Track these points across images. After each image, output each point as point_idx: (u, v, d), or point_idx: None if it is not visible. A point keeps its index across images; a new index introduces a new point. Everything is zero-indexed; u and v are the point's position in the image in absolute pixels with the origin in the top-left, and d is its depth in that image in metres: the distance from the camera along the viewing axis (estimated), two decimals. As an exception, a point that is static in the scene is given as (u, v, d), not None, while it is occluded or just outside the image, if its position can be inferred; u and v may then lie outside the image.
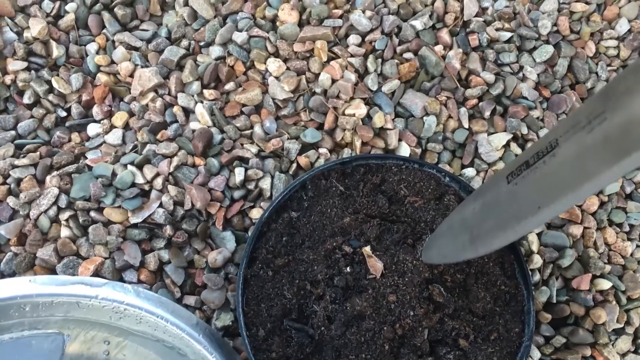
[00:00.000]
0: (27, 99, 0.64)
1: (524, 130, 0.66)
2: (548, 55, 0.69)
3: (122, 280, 0.57)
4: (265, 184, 0.61)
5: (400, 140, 0.65)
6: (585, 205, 0.65)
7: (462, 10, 0.70)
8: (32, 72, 0.64)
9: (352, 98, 0.65)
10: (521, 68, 0.69)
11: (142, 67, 0.66)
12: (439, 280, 0.51)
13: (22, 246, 0.57)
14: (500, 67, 0.69)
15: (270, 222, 0.55)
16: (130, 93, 0.65)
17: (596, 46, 0.72)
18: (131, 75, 0.65)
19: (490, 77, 0.67)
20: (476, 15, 0.71)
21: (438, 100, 0.66)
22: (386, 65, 0.67)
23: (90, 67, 0.65)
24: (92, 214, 0.58)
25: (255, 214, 0.61)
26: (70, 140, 0.63)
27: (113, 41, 0.67)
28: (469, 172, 0.65)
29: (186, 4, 0.69)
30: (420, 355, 0.49)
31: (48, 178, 0.59)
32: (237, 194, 0.61)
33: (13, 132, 0.62)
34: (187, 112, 0.65)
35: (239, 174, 0.61)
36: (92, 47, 0.66)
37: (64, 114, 0.64)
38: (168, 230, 0.58)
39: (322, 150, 0.63)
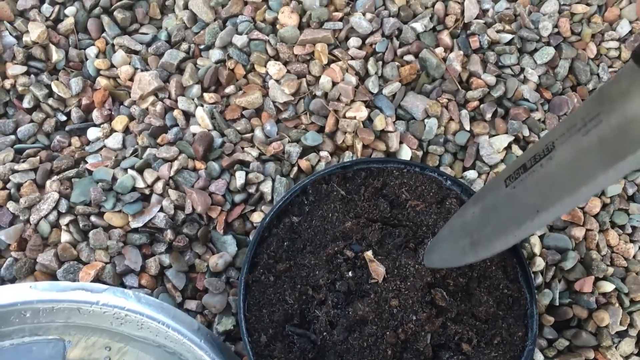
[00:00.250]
0: (26, 103, 0.63)
1: (526, 132, 0.66)
2: (549, 57, 0.69)
3: (122, 285, 0.57)
4: (266, 187, 0.61)
5: (401, 143, 0.64)
6: (587, 207, 0.65)
7: (462, 12, 0.70)
8: (32, 76, 0.64)
9: (352, 101, 0.65)
10: (522, 70, 0.69)
11: (142, 70, 0.65)
12: (441, 284, 0.51)
13: (23, 251, 0.57)
14: (501, 69, 0.69)
15: (271, 227, 0.54)
16: (130, 97, 0.65)
17: (597, 47, 0.71)
18: (131, 79, 0.65)
19: (491, 79, 0.67)
20: (477, 17, 0.70)
21: (439, 103, 0.66)
22: (387, 68, 0.66)
23: (90, 71, 0.65)
24: (93, 218, 0.58)
25: (256, 217, 0.61)
26: (70, 144, 0.63)
27: (113, 45, 0.67)
28: (471, 174, 0.65)
29: (186, 7, 0.69)
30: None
31: (48, 183, 0.59)
32: (238, 197, 0.61)
33: (13, 137, 0.62)
34: (188, 115, 0.65)
35: (239, 177, 0.60)
36: (91, 51, 0.66)
37: (63, 118, 0.64)
38: (169, 234, 0.58)
39: (323, 154, 0.63)
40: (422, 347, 0.49)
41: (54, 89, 0.63)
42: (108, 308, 0.49)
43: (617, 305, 0.61)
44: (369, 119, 0.65)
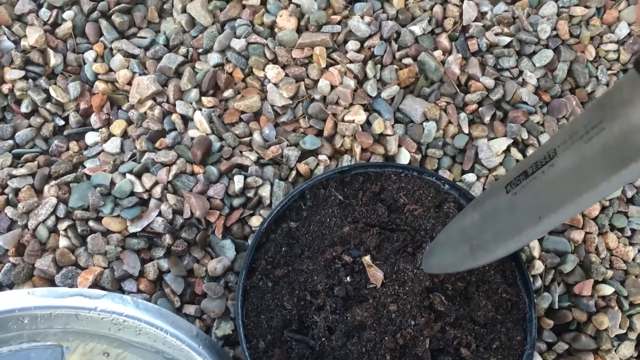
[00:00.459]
0: (24, 108, 0.63)
1: (524, 135, 0.66)
2: (548, 60, 0.69)
3: (121, 289, 0.57)
4: (265, 191, 0.61)
5: (400, 146, 0.64)
6: (586, 210, 0.64)
7: (461, 15, 0.70)
8: (30, 80, 0.64)
9: (351, 104, 0.65)
10: (521, 73, 0.69)
11: (140, 74, 0.65)
12: (439, 289, 0.51)
13: (21, 257, 0.56)
14: (499, 72, 0.69)
15: (269, 233, 0.54)
16: (128, 101, 0.65)
17: (596, 50, 0.71)
18: (129, 83, 0.65)
19: (489, 82, 0.67)
20: (475, 20, 0.70)
21: (438, 106, 0.66)
22: (385, 71, 0.66)
23: (88, 75, 0.65)
24: (91, 223, 0.58)
25: (255, 221, 0.60)
26: (68, 149, 0.63)
27: (111, 49, 0.67)
28: (470, 177, 0.64)
29: (184, 11, 0.69)
30: (422, 364, 0.49)
31: (46, 188, 0.59)
32: (236, 201, 0.61)
33: (11, 142, 0.62)
34: (186, 119, 0.65)
35: (238, 181, 0.60)
36: (89, 55, 0.66)
37: (61, 122, 0.64)
38: (167, 239, 0.58)
39: (321, 157, 0.63)
40: (420, 352, 0.48)
41: (52, 93, 0.63)
42: (106, 314, 0.49)
43: (616, 308, 0.61)
44: (368, 123, 0.65)
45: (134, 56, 0.67)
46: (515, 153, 0.66)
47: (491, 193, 0.39)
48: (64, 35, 0.66)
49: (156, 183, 0.60)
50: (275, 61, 0.67)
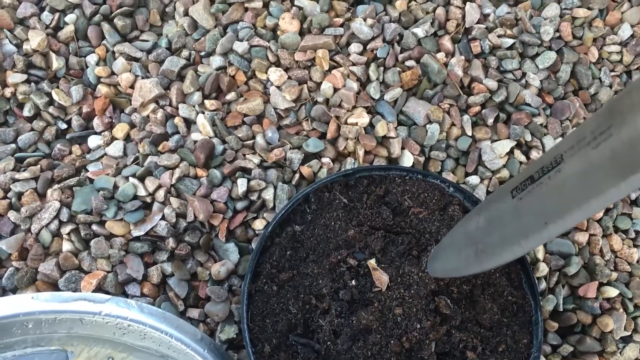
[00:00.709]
0: (27, 111, 0.63)
1: (528, 137, 0.66)
2: (551, 62, 0.68)
3: (124, 293, 0.57)
4: (268, 194, 0.61)
5: (403, 148, 0.64)
6: (590, 213, 0.64)
7: (463, 17, 0.70)
8: (32, 84, 0.64)
9: (354, 107, 0.65)
10: (524, 74, 0.69)
11: (142, 78, 0.65)
12: (445, 292, 0.51)
13: (24, 261, 0.56)
14: (502, 74, 0.69)
15: (273, 237, 0.54)
16: (131, 104, 0.64)
17: (599, 52, 0.71)
18: (132, 87, 0.65)
19: (492, 84, 0.67)
20: (478, 22, 0.70)
21: (441, 108, 0.65)
22: (388, 74, 0.66)
23: (91, 79, 0.65)
24: (94, 227, 0.58)
25: (259, 225, 0.60)
26: (71, 152, 0.63)
27: (113, 52, 0.67)
28: (473, 180, 0.64)
29: (186, 13, 0.68)
30: (428, 368, 0.49)
31: (49, 191, 0.58)
32: (239, 205, 0.61)
33: (13, 145, 0.62)
34: (189, 123, 0.65)
35: (241, 185, 0.60)
36: (92, 59, 0.66)
37: (64, 126, 0.64)
38: (171, 242, 0.58)
39: (324, 160, 0.63)
40: (426, 356, 0.48)
41: (55, 97, 0.63)
42: (111, 318, 0.49)
43: (621, 310, 0.61)
44: (371, 125, 0.65)
45: (137, 59, 0.67)
46: (519, 155, 0.66)
47: (496, 197, 0.38)
48: (66, 38, 0.66)
49: (159, 186, 0.60)
50: (277, 64, 0.67)
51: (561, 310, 0.60)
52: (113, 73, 0.66)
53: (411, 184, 0.57)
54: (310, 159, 0.63)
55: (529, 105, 0.67)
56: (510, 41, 0.69)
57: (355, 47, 0.67)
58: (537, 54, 0.69)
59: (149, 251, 0.58)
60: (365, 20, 0.68)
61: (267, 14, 0.69)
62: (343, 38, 0.67)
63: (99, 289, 0.56)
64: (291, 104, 0.64)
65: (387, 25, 0.68)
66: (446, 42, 0.68)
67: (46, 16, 0.66)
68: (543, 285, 0.60)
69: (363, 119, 0.63)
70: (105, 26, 0.67)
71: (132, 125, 0.64)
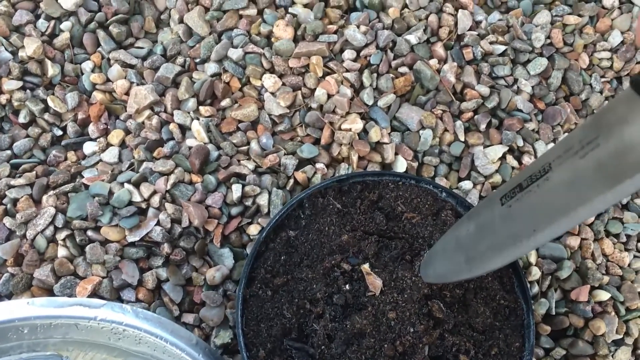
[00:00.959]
0: (22, 118, 0.63)
1: (520, 143, 0.67)
2: (542, 68, 0.69)
3: (120, 299, 0.57)
4: (263, 200, 0.61)
5: (396, 154, 0.65)
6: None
7: (456, 24, 0.71)
8: (28, 91, 0.64)
9: (348, 113, 0.65)
10: (515, 81, 0.70)
11: (137, 84, 0.66)
12: (438, 296, 0.51)
13: (19, 267, 0.57)
14: (494, 80, 0.69)
15: (268, 242, 0.55)
16: (126, 111, 0.65)
17: (589, 58, 0.72)
18: (127, 93, 0.65)
19: (485, 90, 0.67)
20: (470, 29, 0.71)
21: (434, 114, 0.66)
22: (381, 80, 0.67)
23: (86, 86, 0.65)
24: (89, 233, 0.58)
25: (253, 230, 0.61)
26: (66, 159, 0.63)
27: (108, 59, 0.67)
28: (466, 185, 0.65)
29: (181, 21, 0.69)
30: (421, 371, 0.49)
31: (44, 198, 0.59)
32: (234, 210, 0.61)
33: (9, 152, 0.62)
34: (184, 129, 0.65)
35: (236, 190, 0.61)
36: (87, 66, 0.66)
37: (59, 132, 0.64)
38: (166, 248, 0.58)
39: (319, 166, 0.63)
40: (420, 359, 0.49)
41: (50, 103, 0.63)
42: (106, 323, 0.49)
43: (613, 313, 0.61)
44: (365, 131, 0.65)
45: (132, 66, 0.67)
46: (511, 160, 0.66)
47: (486, 205, 0.39)
48: (62, 45, 0.67)
49: (154, 192, 0.60)
50: (272, 70, 0.67)
51: (554, 313, 0.61)
52: (108, 80, 0.66)
53: (404, 189, 0.57)
54: (305, 165, 0.64)
55: (520, 111, 0.68)
56: (502, 48, 0.70)
57: (348, 54, 0.68)
58: (529, 61, 0.70)
59: (144, 257, 0.58)
60: (358, 27, 0.69)
61: (262, 21, 0.69)
62: (337, 45, 0.68)
63: (94, 294, 0.56)
64: (285, 110, 0.65)
65: (380, 32, 0.69)
66: (439, 48, 0.69)
67: (42, 24, 0.67)
68: (535, 289, 0.61)
69: (357, 124, 0.64)
70: (101, 33, 0.67)
71: (128, 132, 0.64)
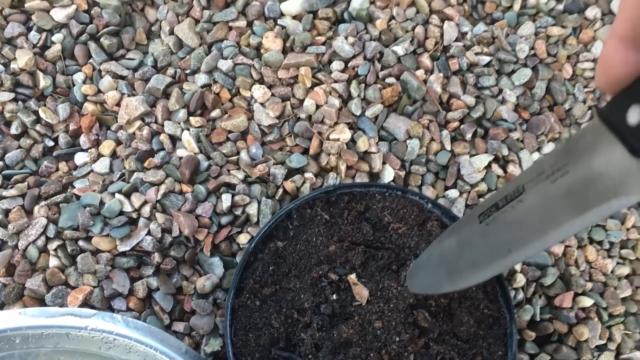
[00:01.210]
0: (14, 129, 0.64)
1: (505, 152, 0.68)
2: (526, 78, 0.71)
3: (111, 308, 0.58)
4: (252, 209, 0.62)
5: (384, 163, 0.66)
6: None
7: (442, 35, 0.72)
8: (19, 102, 0.65)
9: (336, 123, 0.66)
10: (500, 91, 0.71)
11: (128, 95, 0.66)
12: (423, 305, 0.52)
13: (11, 277, 0.57)
14: (480, 90, 0.70)
15: (256, 252, 0.55)
16: (117, 122, 0.65)
17: (573, 68, 0.73)
18: (118, 104, 0.66)
19: (470, 100, 0.69)
20: (456, 40, 0.72)
21: (420, 124, 0.67)
22: (369, 90, 0.68)
23: (77, 97, 0.66)
24: (81, 243, 0.59)
25: (243, 239, 0.62)
26: (57, 169, 0.64)
27: (99, 70, 0.68)
28: (452, 193, 0.66)
29: (172, 32, 0.70)
30: (407, 379, 0.50)
31: (36, 208, 0.59)
32: (224, 220, 0.62)
33: (0, 163, 0.63)
34: (174, 139, 0.66)
35: (226, 200, 0.61)
36: (78, 77, 0.67)
37: (51, 143, 0.65)
38: (156, 257, 0.59)
39: (307, 175, 0.64)
40: (405, 367, 0.50)
41: (42, 115, 0.64)
42: (97, 333, 0.50)
43: (596, 319, 0.63)
44: (353, 141, 0.66)
45: (123, 77, 0.68)
46: (497, 169, 0.68)
47: (467, 221, 0.39)
48: (53, 57, 0.67)
49: (145, 202, 0.61)
50: (261, 81, 0.68)
51: (538, 320, 0.62)
52: (99, 91, 0.67)
53: (391, 200, 0.58)
54: (294, 174, 0.65)
55: (505, 120, 0.69)
56: (487, 59, 0.71)
57: (337, 65, 0.69)
58: (513, 71, 0.72)
59: (135, 266, 0.59)
60: (346, 38, 0.70)
61: (251, 32, 0.70)
62: (325, 56, 0.69)
63: (85, 304, 0.56)
64: (275, 120, 0.66)
65: (367, 44, 0.70)
66: (425, 59, 0.70)
67: (33, 36, 0.67)
68: (520, 295, 0.62)
69: (345, 134, 0.65)
70: (92, 45, 0.68)
71: (118, 142, 0.65)
